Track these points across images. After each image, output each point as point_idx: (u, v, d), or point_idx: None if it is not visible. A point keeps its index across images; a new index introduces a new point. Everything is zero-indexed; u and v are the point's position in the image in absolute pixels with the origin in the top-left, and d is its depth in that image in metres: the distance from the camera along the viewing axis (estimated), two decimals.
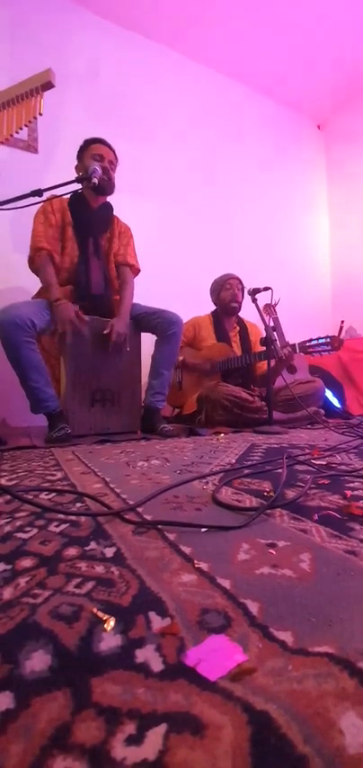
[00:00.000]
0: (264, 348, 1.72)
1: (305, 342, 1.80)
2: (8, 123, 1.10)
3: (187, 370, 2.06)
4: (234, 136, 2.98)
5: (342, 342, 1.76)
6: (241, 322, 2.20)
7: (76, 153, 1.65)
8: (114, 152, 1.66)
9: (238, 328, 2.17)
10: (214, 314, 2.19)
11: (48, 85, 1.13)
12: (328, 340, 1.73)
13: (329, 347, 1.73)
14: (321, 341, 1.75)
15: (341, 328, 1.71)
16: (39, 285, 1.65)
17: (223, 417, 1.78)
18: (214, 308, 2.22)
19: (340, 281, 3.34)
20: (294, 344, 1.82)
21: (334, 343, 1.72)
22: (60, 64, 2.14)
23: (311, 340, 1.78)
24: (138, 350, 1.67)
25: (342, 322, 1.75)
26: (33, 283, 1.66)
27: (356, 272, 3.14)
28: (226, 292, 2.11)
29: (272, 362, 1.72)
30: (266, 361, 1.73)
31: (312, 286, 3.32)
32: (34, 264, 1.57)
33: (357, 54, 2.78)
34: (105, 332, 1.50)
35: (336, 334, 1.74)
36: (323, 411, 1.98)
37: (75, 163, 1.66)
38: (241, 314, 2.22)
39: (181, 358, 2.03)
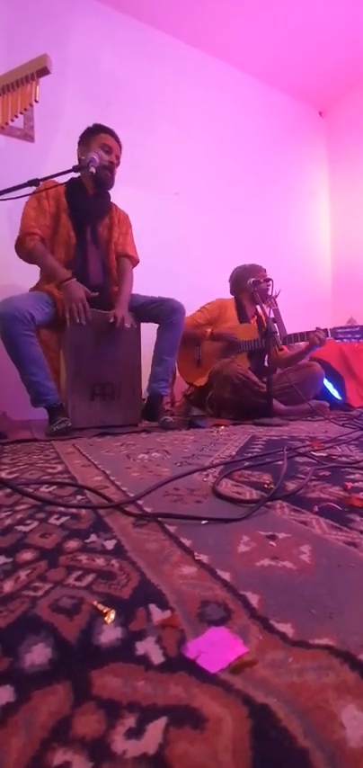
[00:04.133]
0: (299, 332, 1.81)
1: (336, 328, 1.87)
2: (3, 111, 1.08)
3: (211, 341, 2.07)
4: (234, 123, 2.94)
5: None
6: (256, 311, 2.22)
7: (82, 134, 1.58)
8: (121, 148, 1.61)
9: (256, 317, 2.18)
10: (236, 299, 2.21)
11: (44, 71, 1.10)
12: (359, 329, 1.80)
13: (359, 335, 1.79)
14: (355, 329, 1.81)
15: None
16: (37, 279, 1.63)
17: (231, 396, 1.81)
18: (228, 295, 2.22)
19: (341, 270, 3.31)
20: (326, 329, 1.87)
21: None
22: (57, 49, 2.10)
23: (344, 327, 1.86)
24: (138, 343, 1.65)
25: None
26: (31, 275, 1.64)
27: (357, 262, 3.12)
28: (264, 283, 2.08)
29: (285, 349, 1.80)
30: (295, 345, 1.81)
31: (312, 275, 3.30)
32: (24, 247, 1.50)
33: (359, 40, 2.71)
34: (110, 321, 1.49)
35: None
36: (327, 403, 1.99)
37: (75, 147, 1.59)
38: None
39: (209, 330, 2.04)
